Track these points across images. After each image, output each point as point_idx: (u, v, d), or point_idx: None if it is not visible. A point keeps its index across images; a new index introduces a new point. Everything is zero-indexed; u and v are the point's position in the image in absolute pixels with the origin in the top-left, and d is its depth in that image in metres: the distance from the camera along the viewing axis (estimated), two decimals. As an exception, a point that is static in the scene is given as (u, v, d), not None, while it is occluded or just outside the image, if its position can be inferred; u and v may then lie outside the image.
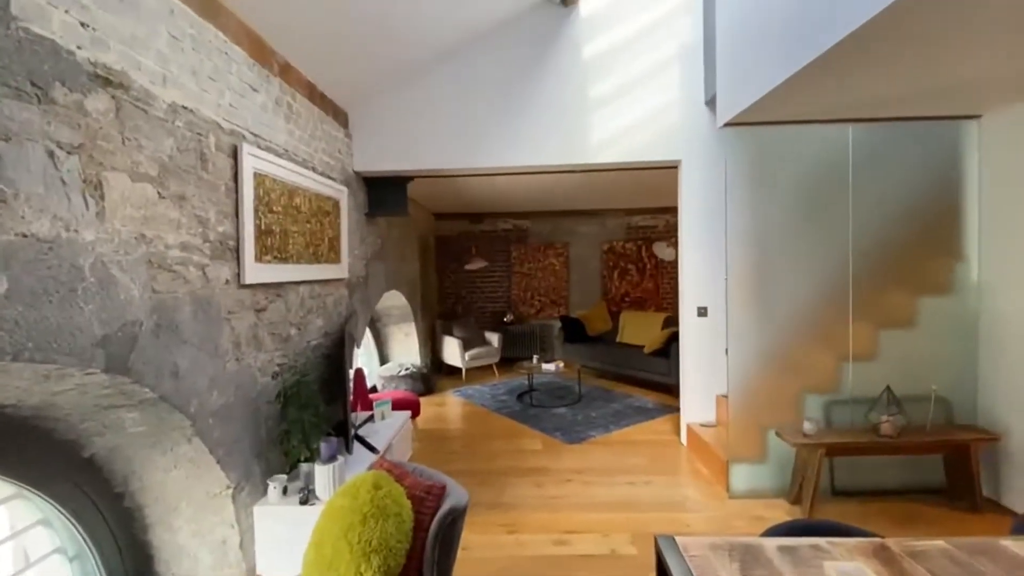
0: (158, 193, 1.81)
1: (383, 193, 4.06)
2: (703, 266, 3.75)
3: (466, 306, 7.60)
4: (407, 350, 5.82)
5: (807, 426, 2.80)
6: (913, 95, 2.53)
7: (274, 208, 2.55)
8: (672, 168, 3.90)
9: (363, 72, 3.39)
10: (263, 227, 2.44)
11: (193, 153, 2.01)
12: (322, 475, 2.28)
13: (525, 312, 7.61)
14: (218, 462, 2.10)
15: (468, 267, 7.21)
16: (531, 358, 5.55)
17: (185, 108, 1.96)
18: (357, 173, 3.83)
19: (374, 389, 5.30)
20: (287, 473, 2.48)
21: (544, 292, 7.60)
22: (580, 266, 7.65)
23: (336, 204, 3.33)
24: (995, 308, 2.85)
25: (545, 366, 5.21)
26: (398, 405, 3.80)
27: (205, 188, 2.07)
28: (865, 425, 2.90)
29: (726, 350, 3.12)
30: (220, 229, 2.17)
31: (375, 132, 3.77)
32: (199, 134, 2.04)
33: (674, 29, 3.72)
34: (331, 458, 2.31)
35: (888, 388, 2.84)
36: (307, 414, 2.43)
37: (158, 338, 1.80)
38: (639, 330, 6.22)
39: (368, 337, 5.64)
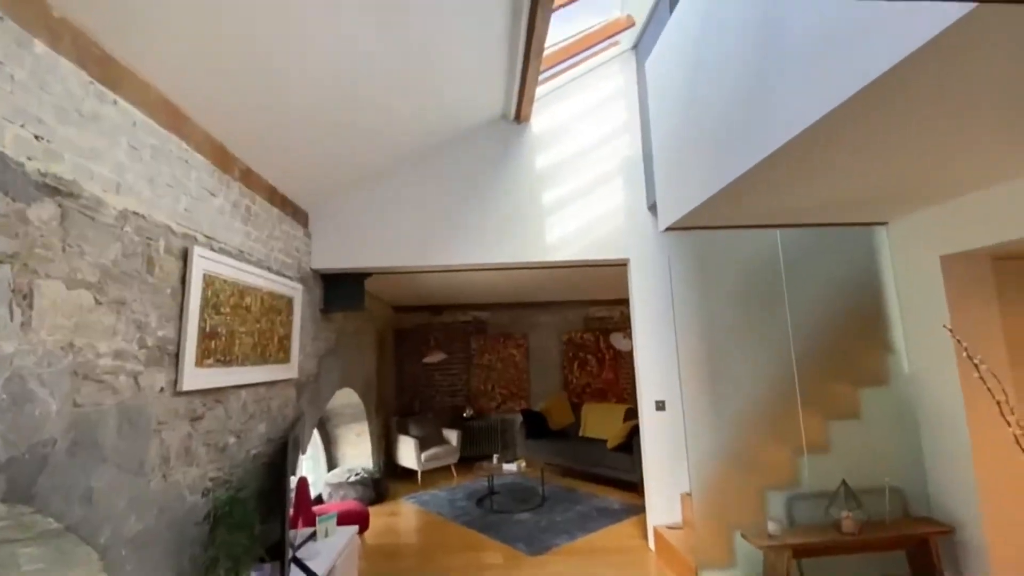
0: (95, 299, 1.73)
1: (340, 289, 4.04)
2: (658, 360, 3.83)
3: (424, 401, 7.35)
4: (359, 452, 5.47)
5: (771, 526, 2.74)
6: (827, 205, 2.83)
7: (222, 309, 2.48)
8: (623, 265, 4.10)
9: (325, 175, 3.53)
10: (208, 329, 2.35)
11: (140, 257, 1.97)
12: (251, 611, 2.01)
13: (485, 406, 7.41)
14: (127, 602, 1.82)
15: (427, 360, 7.08)
16: (491, 457, 5.32)
17: (136, 214, 1.95)
18: (315, 270, 3.82)
19: (319, 499, 4.87)
20: (210, 610, 2.17)
21: (505, 384, 7.49)
22: (540, 357, 7.65)
23: (289, 302, 3.28)
24: (928, 399, 3.00)
25: (506, 467, 4.98)
26: (344, 519, 3.49)
27: (149, 292, 2.01)
28: (827, 521, 2.87)
29: (686, 448, 3.10)
30: (160, 334, 2.07)
31: (335, 230, 3.83)
32: (149, 239, 2.02)
33: (616, 144, 4.11)
34: (263, 589, 2.06)
35: (844, 482, 2.86)
36: (239, 536, 2.19)
37: (73, 457, 1.63)
38: (601, 423, 6.13)
39: (316, 440, 5.29)
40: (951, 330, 1.33)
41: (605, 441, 5.77)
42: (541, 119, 4.10)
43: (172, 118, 2.20)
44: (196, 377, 2.26)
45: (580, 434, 6.33)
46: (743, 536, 2.82)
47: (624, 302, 7.54)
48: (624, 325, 7.60)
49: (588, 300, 7.67)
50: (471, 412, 7.19)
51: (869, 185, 2.46)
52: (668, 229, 3.32)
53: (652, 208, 3.97)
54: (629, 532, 4.10)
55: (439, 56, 2.87)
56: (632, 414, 5.91)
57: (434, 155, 3.94)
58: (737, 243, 3.24)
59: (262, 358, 2.90)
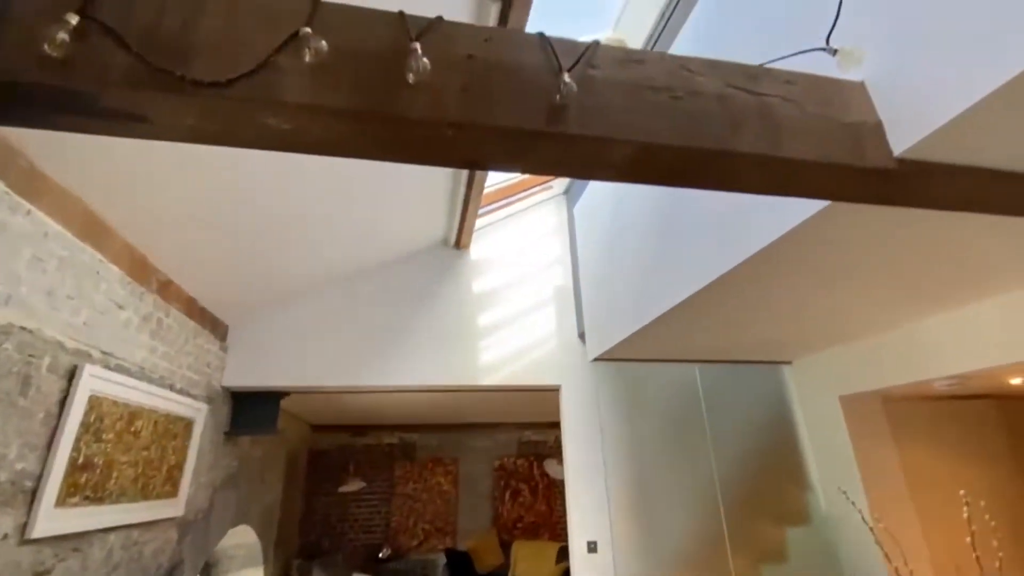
0: (-59, 427, 1.48)
1: (252, 409, 3.71)
2: (589, 495, 3.69)
3: (335, 539, 6.50)
4: (248, 606, 4.62)
5: None
6: (737, 345, 3.08)
7: (104, 436, 2.19)
8: (554, 391, 4.11)
9: (251, 289, 3.42)
10: (81, 460, 2.04)
11: (15, 377, 1.74)
12: None
13: (405, 544, 6.65)
14: None
15: (343, 489, 6.41)
16: (406, 609, 4.65)
17: (23, 329, 1.76)
18: (226, 388, 3.52)
19: (189, 672, 3.96)
20: None
21: (430, 518, 6.83)
22: (470, 486, 7.15)
23: (188, 425, 2.95)
24: (846, 540, 3.05)
25: (422, 621, 4.35)
26: None
27: (16, 417, 1.75)
28: None
29: (617, 596, 2.89)
30: (18, 467, 1.77)
31: (255, 345, 3.63)
32: (31, 356, 1.81)
33: (550, 275, 4.36)
34: None
35: (778, 636, 2.73)
36: None
37: None
38: (533, 564, 5.65)
39: (198, 590, 4.44)
40: (845, 492, 1.41)
41: (535, 586, 5.26)
42: (480, 247, 4.32)
43: (91, 229, 2.11)
44: (54, 520, 1.90)
45: (509, 577, 5.75)
46: None
47: (558, 425, 7.40)
48: (558, 450, 7.38)
49: (522, 423, 7.49)
50: (388, 552, 6.41)
51: (771, 329, 2.72)
52: (596, 360, 3.44)
53: (582, 336, 4.12)
54: None
55: (385, 191, 3.04)
56: (565, 553, 5.50)
57: (371, 274, 3.97)
58: (662, 377, 3.38)
59: (143, 493, 2.51)
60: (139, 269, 2.47)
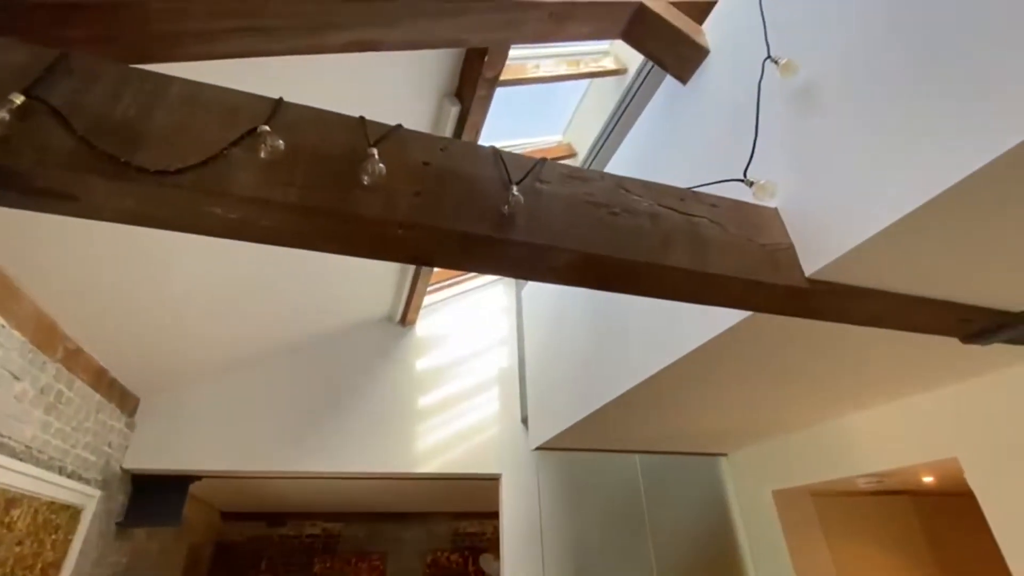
0: None
1: (154, 496, 3.29)
2: (527, 596, 3.45)
3: (235, 651, 5.63)
4: None
5: None
6: (675, 437, 3.12)
7: (-35, 531, 1.86)
8: (494, 480, 3.94)
9: (169, 360, 3.17)
10: (-73, 563, 1.71)
11: None
12: None
13: (318, 656, 5.85)
14: None
15: (251, 589, 5.66)
16: None
17: None
18: (126, 471, 3.14)
19: None
20: None
21: (348, 623, 6.09)
22: (397, 584, 6.51)
23: (75, 515, 2.58)
24: (787, 645, 2.98)
25: None
26: None
27: None
28: None
29: None
30: None
31: (167, 422, 3.30)
32: None
33: (494, 356, 4.34)
34: None
35: None
36: None
37: None
38: None
39: None
40: None
41: None
42: (426, 324, 4.27)
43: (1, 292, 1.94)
44: None
45: None
46: None
47: (497, 515, 7.00)
48: (496, 543, 6.94)
49: (459, 512, 7.05)
50: (297, 666, 5.60)
51: (705, 423, 2.80)
52: (538, 448, 3.37)
53: (525, 421, 4.05)
54: None
55: (328, 266, 3.00)
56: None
57: (304, 348, 3.80)
58: (604, 466, 3.34)
59: (2, 601, 2.11)
60: (46, 335, 2.25)
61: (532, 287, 3.91)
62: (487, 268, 1.07)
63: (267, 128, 0.89)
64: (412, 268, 3.29)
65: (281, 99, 0.95)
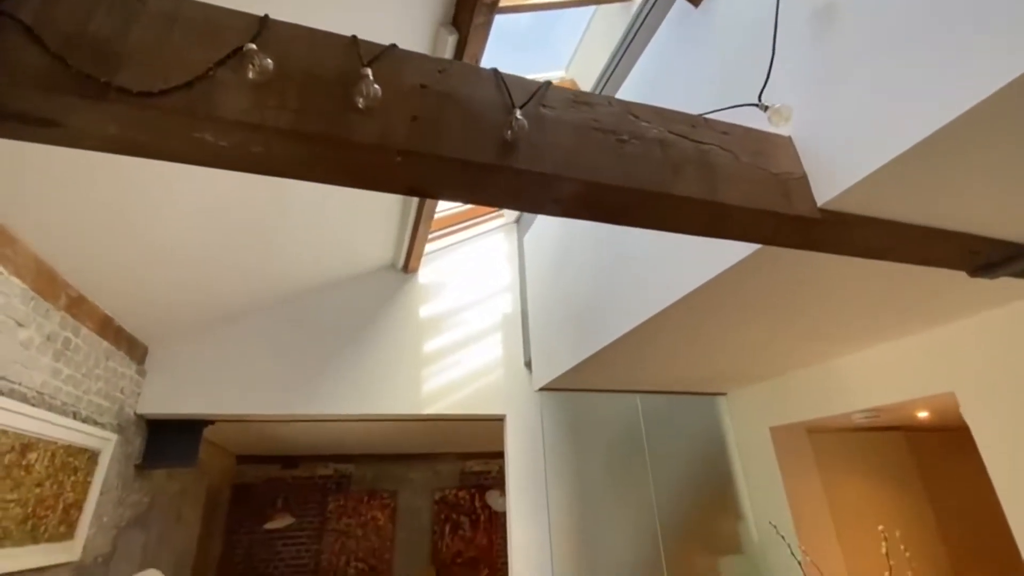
0: None
1: (169, 440, 3.40)
2: (531, 530, 3.62)
3: (258, 580, 6.01)
4: (151, 661, 4.13)
5: None
6: (676, 377, 3.18)
7: (-12, 471, 1.93)
8: (499, 420, 4.05)
9: (176, 309, 3.19)
10: (-44, 500, 1.78)
11: None
12: None
13: (336, 584, 6.24)
14: None
15: (269, 526, 5.97)
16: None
17: None
18: (141, 416, 3.23)
19: None
20: None
21: (363, 555, 6.46)
22: (409, 519, 6.86)
23: (93, 457, 2.67)
24: (777, 566, 3.15)
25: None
26: None
27: None
28: None
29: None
30: None
31: (178, 368, 3.36)
32: (-98, 377, 1.58)
33: (498, 302, 4.36)
34: None
35: (713, 669, 2.75)
36: None
37: None
38: (469, 602, 5.43)
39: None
40: (775, 526, 1.46)
41: (473, 626, 5.06)
42: (428, 271, 4.26)
43: (-8, 237, 1.91)
44: (-89, 572, 1.63)
45: (445, 617, 5.50)
46: None
47: (502, 455, 7.27)
48: (502, 481, 7.25)
49: (465, 452, 7.32)
50: (316, 593, 5.99)
51: (706, 363, 2.83)
52: (541, 389, 3.43)
53: (529, 364, 4.12)
54: None
55: (332, 209, 2.95)
56: (504, 589, 5.35)
57: (310, 296, 3.81)
58: (605, 406, 3.42)
59: (32, 536, 2.22)
60: (46, 282, 2.25)
61: (534, 233, 3.86)
62: (488, 199, 1.04)
63: (254, 47, 0.83)
64: (413, 213, 3.24)
65: (267, 16, 0.89)
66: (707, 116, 1.21)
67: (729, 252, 1.54)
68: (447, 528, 6.90)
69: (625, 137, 1.06)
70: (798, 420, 3.02)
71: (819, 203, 1.18)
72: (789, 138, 1.28)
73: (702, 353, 2.60)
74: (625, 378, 3.17)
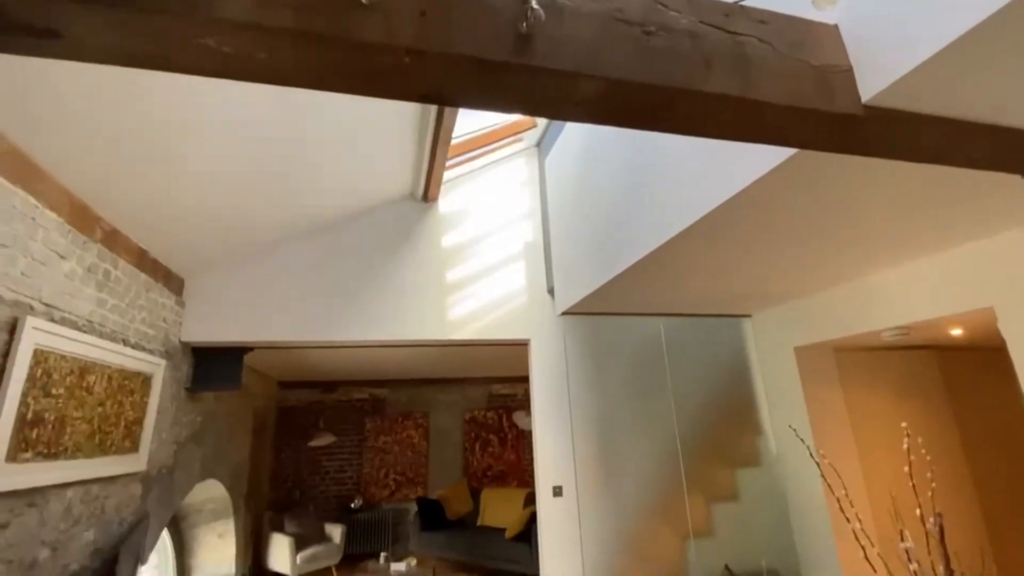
0: None
1: (214, 365, 3.62)
2: (556, 444, 3.81)
3: (307, 491, 6.59)
4: (220, 557, 4.68)
5: (663, 619, 2.70)
6: (700, 299, 3.15)
7: (54, 391, 2.10)
8: (524, 345, 4.16)
9: (208, 241, 3.27)
10: (31, 416, 1.96)
11: (-56, 328, 1.63)
12: None
13: (377, 494, 6.81)
14: None
15: (313, 443, 6.45)
16: (378, 556, 4.81)
17: (-50, 277, 1.64)
18: (185, 343, 3.42)
19: (162, 619, 4.04)
20: None
21: (401, 469, 6.99)
22: (441, 438, 7.31)
23: (146, 381, 2.87)
24: (794, 479, 3.27)
25: (394, 567, 4.53)
26: (189, 646, 2.88)
27: (-50, 371, 1.65)
28: (714, 610, 2.91)
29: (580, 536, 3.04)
30: (-42, 422, 1.68)
31: (214, 300, 3.50)
32: (-38, 306, 1.69)
33: (520, 229, 4.32)
34: None
35: (727, 567, 2.95)
36: None
37: None
38: (501, 510, 5.88)
39: (166, 544, 4.46)
40: (795, 428, 1.49)
41: (504, 530, 5.50)
42: (449, 200, 4.22)
43: (21, 171, 1.94)
44: (5, 476, 1.83)
45: (479, 523, 5.99)
46: (636, 632, 2.75)
47: (527, 379, 7.54)
48: (528, 403, 7.58)
49: (491, 377, 7.61)
50: (360, 502, 6.55)
51: (732, 284, 2.79)
52: (564, 314, 3.47)
53: (552, 291, 4.15)
54: (525, 634, 3.82)
55: (348, 136, 2.89)
56: (532, 499, 5.74)
57: (336, 227, 3.85)
58: (628, 330, 3.45)
59: (101, 449, 2.45)
60: (80, 216, 2.31)
61: (555, 156, 3.73)
62: (505, 103, 0.99)
63: (246, -63, 0.77)
64: (429, 137, 3.15)
65: (257, -99, 0.81)
66: (743, 3, 1.09)
67: (759, 161, 1.45)
68: (477, 445, 7.34)
69: (652, 29, 0.97)
70: (824, 339, 3.00)
71: (864, 99, 1.09)
72: (835, 26, 1.15)
73: (726, 272, 2.55)
74: (647, 301, 3.17)
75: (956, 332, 2.85)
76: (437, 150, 3.29)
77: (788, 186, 1.55)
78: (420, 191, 3.97)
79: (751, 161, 1.50)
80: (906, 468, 1.02)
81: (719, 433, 3.39)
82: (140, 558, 2.84)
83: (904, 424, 1.05)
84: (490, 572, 5.42)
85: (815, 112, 1.05)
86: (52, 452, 2.10)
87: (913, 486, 1.00)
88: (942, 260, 2.30)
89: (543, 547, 3.66)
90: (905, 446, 1.01)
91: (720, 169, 1.66)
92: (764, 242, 2.11)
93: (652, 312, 3.46)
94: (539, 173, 4.45)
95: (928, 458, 1.06)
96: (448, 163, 3.93)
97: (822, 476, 1.36)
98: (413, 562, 4.67)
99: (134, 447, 2.77)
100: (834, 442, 3.01)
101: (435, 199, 4.12)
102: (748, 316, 3.66)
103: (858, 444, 3.06)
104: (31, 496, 2.02)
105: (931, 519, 0.99)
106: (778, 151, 1.40)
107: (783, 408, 3.31)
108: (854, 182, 1.59)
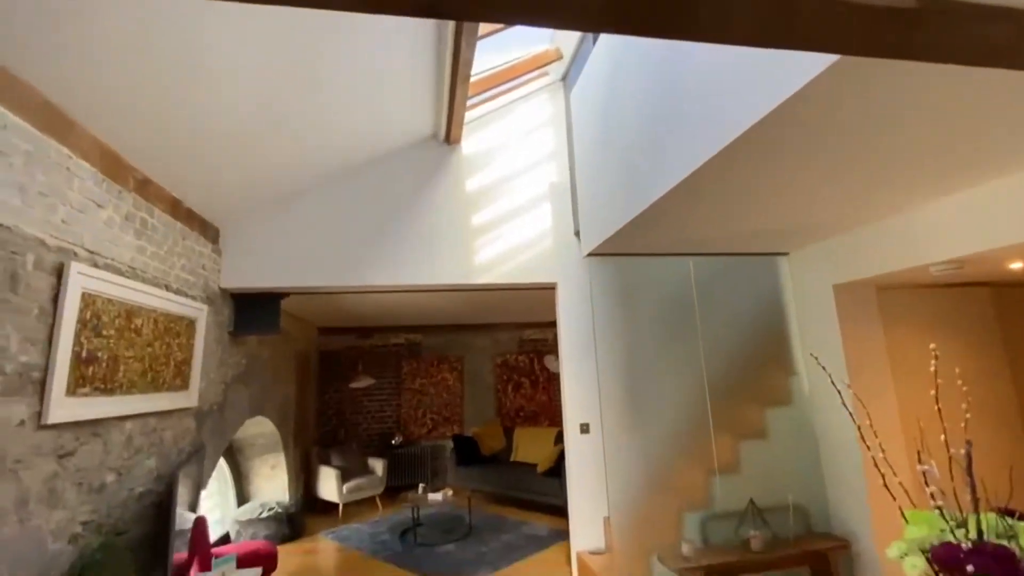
0: (-69, 320, 1.50)
1: (253, 310, 3.79)
2: (583, 383, 3.87)
3: (350, 429, 7.00)
4: (274, 486, 5.09)
5: (685, 548, 2.79)
6: (733, 237, 3.02)
7: (104, 332, 2.24)
8: (551, 289, 4.15)
9: (238, 190, 3.33)
10: (84, 354, 2.10)
11: (1, 274, 1.73)
12: (117, 678, 1.76)
13: (416, 432, 7.18)
14: None
15: (354, 385, 6.78)
16: (418, 486, 5.12)
17: (1, 226, 1.72)
18: (224, 290, 3.57)
19: (226, 538, 4.47)
20: None
21: (437, 409, 7.30)
22: (475, 380, 7.55)
23: (191, 324, 3.03)
24: (824, 418, 3.22)
25: (431, 496, 4.81)
26: (247, 560, 3.20)
27: (10, 312, 1.77)
28: (737, 541, 2.97)
29: (605, 471, 3.12)
30: (22, 359, 1.83)
31: (249, 248, 3.61)
32: (13, 252, 1.79)
33: (544, 170, 4.20)
34: (133, 651, 1.81)
35: (751, 501, 2.98)
36: (109, 590, 1.93)
37: None
38: (533, 447, 6.10)
39: (226, 474, 4.88)
40: (816, 356, 1.44)
41: (535, 466, 5.73)
42: (472, 141, 4.12)
43: (53, 122, 1.99)
44: (66, 408, 2.00)
45: (511, 459, 6.26)
46: (659, 559, 2.86)
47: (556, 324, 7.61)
48: (556, 347, 7.67)
49: (522, 323, 7.71)
50: (400, 439, 6.93)
51: (769, 218, 2.65)
52: (590, 255, 3.41)
53: (578, 234, 4.07)
54: (554, 559, 4.05)
55: (366, 76, 2.82)
56: (563, 437, 5.92)
57: (360, 172, 3.84)
58: (655, 271, 3.38)
59: (154, 386, 2.63)
60: (112, 166, 2.37)
61: (580, 89, 3.54)
62: (505, 10, 0.91)
63: None
64: (448, 73, 3.03)
65: None
66: None
67: (796, 72, 1.32)
68: (509, 387, 7.55)
69: (669, -85, 0.86)
70: (867, 276, 2.85)
71: (918, -11, 0.95)
72: (890, -97, 1.00)
73: (763, 204, 2.41)
74: (676, 239, 3.06)
75: (1016, 266, 2.65)
76: (456, 87, 3.17)
77: (829, 99, 1.42)
78: (442, 132, 3.89)
79: (788, 73, 1.37)
80: (932, 391, 0.97)
81: (749, 373, 3.34)
82: (200, 483, 3.11)
83: (932, 346, 0.99)
84: (522, 502, 5.70)
85: (857, 6, 0.93)
86: (108, 388, 2.27)
87: (938, 409, 0.95)
88: (1004, 186, 2.10)
89: (571, 481, 3.79)
90: (932, 367, 0.95)
91: (752, 85, 1.52)
92: (804, 168, 1.96)
93: (681, 252, 3.35)
94: (565, 109, 4.26)
95: (964, 388, 1.00)
96: (470, 102, 3.80)
97: (844, 405, 1.31)
98: (449, 493, 4.95)
99: (184, 385, 2.97)
100: (870, 381, 2.92)
101: (458, 141, 4.03)
102: (784, 254, 3.50)
103: (896, 384, 2.96)
104: (94, 427, 2.21)
105: (962, 449, 0.95)
106: (817, 60, 1.26)
107: (817, 348, 3.21)
108: (905, 95, 1.43)
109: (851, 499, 3.00)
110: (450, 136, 3.91)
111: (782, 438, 3.26)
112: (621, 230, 2.75)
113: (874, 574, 2.87)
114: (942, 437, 0.95)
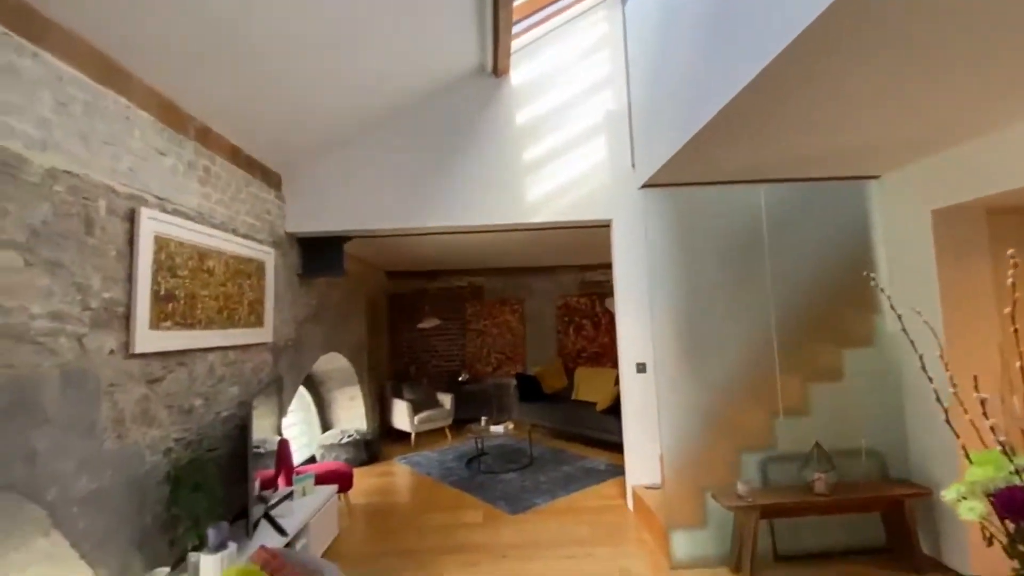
0: (24, 260, 1.69)
1: (319, 254, 3.99)
2: (639, 322, 3.75)
3: (420, 366, 7.40)
4: (353, 415, 5.55)
5: (741, 487, 2.71)
6: (815, 157, 2.68)
7: (179, 272, 2.44)
8: (606, 227, 3.98)
9: (294, 136, 3.41)
10: (162, 292, 2.32)
11: (76, 218, 1.91)
12: (209, 566, 2.05)
13: (481, 370, 7.45)
14: (83, 557, 1.86)
15: (421, 326, 7.09)
16: (481, 420, 5.36)
17: (68, 173, 1.88)
18: (290, 234, 3.77)
19: (312, 460, 4.99)
20: (172, 566, 2.22)
21: (500, 349, 7.50)
22: (536, 322, 7.62)
23: (260, 266, 3.24)
24: (912, 359, 2.89)
25: (494, 428, 5.02)
26: (325, 478, 3.55)
27: (89, 254, 1.96)
28: (800, 483, 2.84)
29: (658, 408, 3.05)
30: (106, 295, 2.04)
31: (310, 193, 3.75)
32: (86, 199, 1.96)
33: (599, 98, 3.92)
34: (220, 546, 2.09)
35: (817, 444, 2.81)
36: (200, 496, 2.21)
37: (11, 420, 1.62)
38: (593, 387, 6.13)
39: (310, 403, 5.37)
40: (873, 276, 1.24)
41: (595, 404, 5.78)
42: (521, 72, 3.91)
43: (108, 73, 2.10)
44: (151, 340, 2.24)
45: (572, 397, 6.34)
46: (713, 497, 2.81)
47: (621, 266, 7.38)
48: (621, 289, 7.49)
49: (583, 264, 7.56)
50: (466, 376, 7.23)
51: (856, 132, 2.30)
52: (645, 186, 3.19)
53: (635, 166, 3.81)
54: (610, 492, 4.14)
55: (407, 6, 2.70)
56: (624, 378, 5.88)
57: (410, 113, 3.80)
58: (718, 203, 3.11)
59: (230, 322, 2.88)
60: (171, 115, 2.49)
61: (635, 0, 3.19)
62: None
63: None
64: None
65: None
66: None
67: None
68: (570, 329, 7.55)
69: None
70: (974, 198, 2.44)
71: None
72: None
73: (851, 118, 2.08)
74: (747, 165, 2.76)
75: None
76: (500, 11, 2.97)
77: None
78: (489, 63, 3.71)
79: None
80: (1007, 310, 0.80)
81: (824, 312, 3.05)
82: (281, 410, 3.44)
83: (1011, 252, 0.81)
84: (581, 438, 5.82)
85: None
86: (188, 323, 2.51)
87: (1015, 330, 0.79)
88: None
89: (627, 418, 3.78)
90: (1010, 280, 0.78)
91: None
92: (896, 67, 1.65)
93: (752, 179, 3.04)
94: (622, 26, 3.89)
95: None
96: (518, 28, 3.57)
97: (904, 330, 1.14)
98: (511, 426, 5.14)
99: (259, 322, 3.22)
100: (970, 321, 2.57)
101: (506, 72, 3.84)
102: (875, 177, 3.08)
103: (1005, 330, 2.58)
104: (179, 357, 2.47)
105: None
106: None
107: (909, 284, 2.85)
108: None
109: (938, 446, 2.73)
110: (497, 68, 3.72)
111: (860, 381, 3.00)
112: (680, 151, 2.51)
113: (957, 524, 2.65)
114: (1017, 364, 0.79)
